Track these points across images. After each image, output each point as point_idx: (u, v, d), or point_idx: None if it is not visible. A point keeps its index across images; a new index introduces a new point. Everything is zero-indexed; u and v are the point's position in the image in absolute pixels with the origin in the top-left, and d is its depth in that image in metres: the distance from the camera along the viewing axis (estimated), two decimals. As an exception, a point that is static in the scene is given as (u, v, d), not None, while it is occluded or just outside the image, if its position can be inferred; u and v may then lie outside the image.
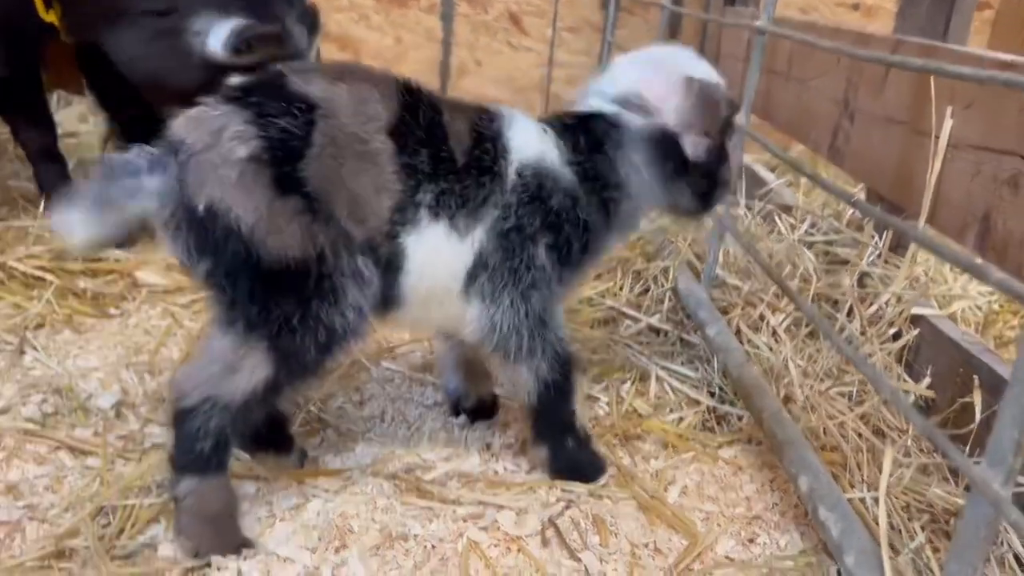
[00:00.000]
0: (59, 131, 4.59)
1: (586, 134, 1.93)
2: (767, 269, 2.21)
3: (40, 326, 2.58)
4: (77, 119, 4.99)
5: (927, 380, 2.32)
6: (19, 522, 1.79)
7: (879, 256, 2.78)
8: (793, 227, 3.19)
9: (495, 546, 1.79)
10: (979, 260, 2.51)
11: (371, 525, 1.78)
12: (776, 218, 3.25)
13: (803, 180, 4.14)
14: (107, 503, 1.84)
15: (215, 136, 1.57)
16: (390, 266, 1.75)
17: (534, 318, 1.89)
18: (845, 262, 2.89)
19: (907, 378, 2.37)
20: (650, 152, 1.92)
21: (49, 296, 2.68)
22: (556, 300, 1.95)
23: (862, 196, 3.06)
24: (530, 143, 1.89)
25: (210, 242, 1.58)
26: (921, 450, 2.15)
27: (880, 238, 2.82)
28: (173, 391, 1.71)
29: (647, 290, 2.97)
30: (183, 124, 1.63)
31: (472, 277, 1.85)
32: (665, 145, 1.91)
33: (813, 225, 3.19)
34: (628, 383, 2.51)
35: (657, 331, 2.82)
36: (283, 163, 1.58)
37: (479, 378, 2.28)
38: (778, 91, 3.90)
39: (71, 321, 2.63)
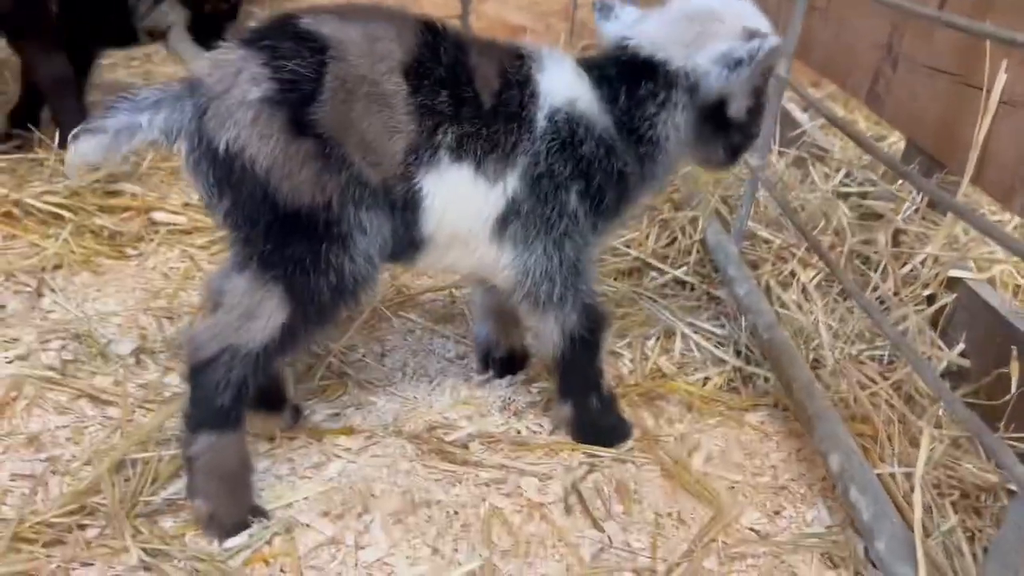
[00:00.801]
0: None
1: (628, 85, 1.83)
2: (801, 231, 2.13)
3: (58, 267, 2.55)
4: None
5: (961, 346, 2.26)
6: (42, 476, 1.78)
7: (916, 211, 2.69)
8: (827, 176, 3.08)
9: (517, 512, 1.77)
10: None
11: (393, 489, 1.77)
12: (810, 165, 3.14)
13: (834, 129, 3.99)
14: (128, 456, 1.83)
15: (232, 78, 1.58)
16: (408, 207, 1.73)
17: (568, 265, 1.86)
18: (881, 216, 2.80)
19: (941, 344, 2.31)
20: (695, 112, 1.84)
21: (66, 235, 2.64)
22: (590, 248, 1.91)
23: (900, 147, 2.94)
24: (562, 87, 1.82)
25: (230, 181, 1.60)
26: (954, 419, 2.10)
27: (918, 193, 2.72)
28: (189, 344, 1.69)
29: (674, 240, 2.89)
30: (202, 66, 1.64)
31: (504, 223, 1.82)
32: (712, 106, 1.83)
33: (848, 175, 3.08)
34: (653, 339, 2.46)
35: (683, 284, 2.76)
36: (296, 106, 1.58)
37: (511, 327, 2.24)
38: (816, 28, 3.73)
39: (89, 262, 2.59)
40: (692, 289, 2.73)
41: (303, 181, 1.59)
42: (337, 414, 2.07)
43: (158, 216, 2.88)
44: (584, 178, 1.82)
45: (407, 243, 1.79)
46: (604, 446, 1.99)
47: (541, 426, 2.07)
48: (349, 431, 1.96)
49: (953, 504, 1.79)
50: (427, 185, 1.72)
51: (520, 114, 1.78)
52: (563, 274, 1.87)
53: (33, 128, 3.25)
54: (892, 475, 1.81)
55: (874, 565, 1.63)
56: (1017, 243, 1.41)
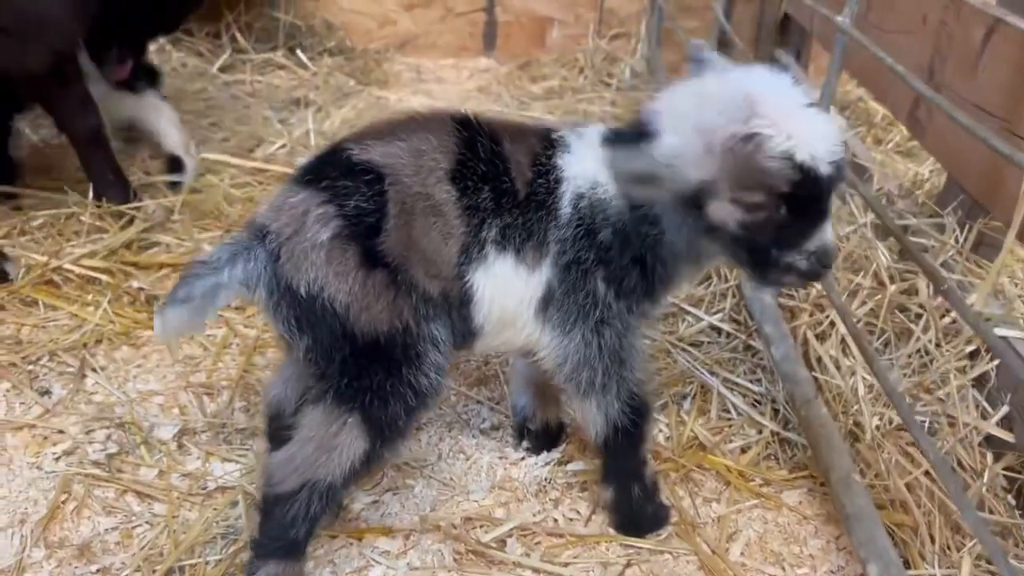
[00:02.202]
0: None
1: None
2: (831, 299, 2.09)
3: (99, 341, 2.59)
4: (118, 59, 4.87)
5: (1005, 409, 2.21)
6: (95, 592, 1.84)
7: (959, 253, 2.61)
8: (867, 207, 2.99)
9: (556, 622, 1.79)
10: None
11: (433, 605, 1.80)
12: (847, 197, 3.05)
13: (874, 131, 3.87)
14: (176, 564, 1.88)
15: (300, 220, 1.62)
16: (462, 304, 1.76)
17: (609, 353, 1.85)
18: (923, 250, 2.72)
19: (985, 404, 2.26)
20: (676, 202, 1.70)
21: (105, 306, 2.68)
22: (633, 333, 1.88)
23: (941, 178, 2.85)
24: (586, 171, 1.79)
25: (310, 320, 1.64)
26: (996, 495, 2.07)
27: (961, 233, 2.64)
28: (267, 476, 1.74)
29: (709, 282, 2.85)
30: (265, 213, 1.69)
31: (544, 306, 1.83)
32: (689, 201, 1.67)
33: (889, 202, 3.00)
34: (688, 400, 2.45)
35: (718, 330, 2.72)
36: (365, 239, 1.62)
37: (549, 400, 2.24)
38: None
39: (128, 334, 2.63)
40: (728, 336, 2.70)
41: (381, 311, 1.64)
42: (376, 502, 2.10)
43: (193, 274, 2.90)
44: (604, 265, 1.80)
45: (464, 334, 1.83)
46: (643, 534, 2.00)
47: (578, 512, 2.08)
48: (388, 531, 1.98)
49: (996, 604, 1.78)
50: (477, 280, 1.75)
51: (547, 201, 1.78)
52: (604, 362, 1.86)
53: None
54: (933, 576, 1.80)
55: None
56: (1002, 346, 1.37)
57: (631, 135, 1.75)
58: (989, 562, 1.85)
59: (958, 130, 2.63)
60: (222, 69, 4.87)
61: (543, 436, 2.25)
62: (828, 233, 1.66)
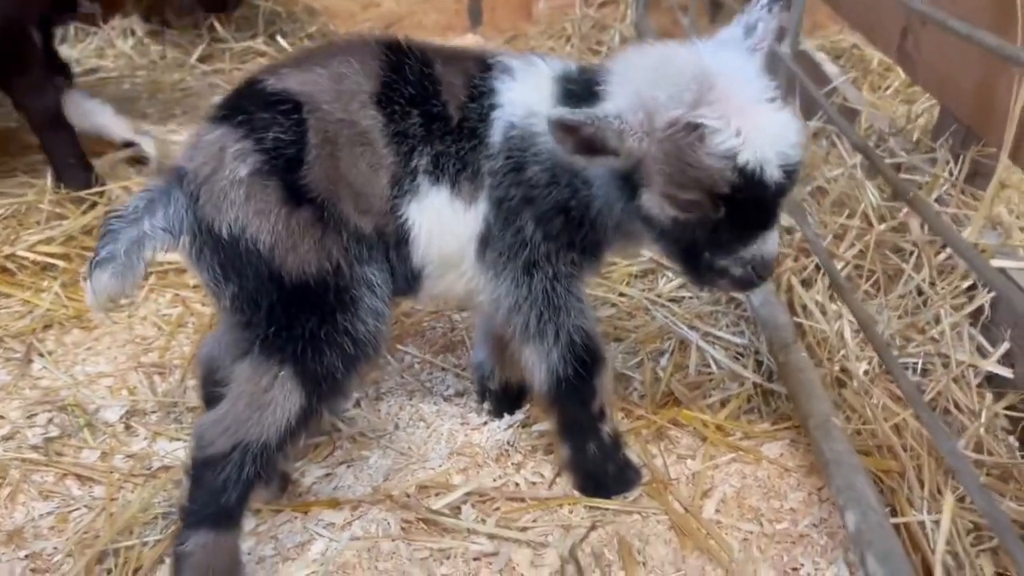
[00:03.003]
0: (77, 69, 4.44)
1: (576, 106, 1.53)
2: (812, 243, 1.92)
3: (48, 327, 2.49)
4: (95, 54, 4.80)
5: (1006, 346, 2.03)
6: (20, 577, 1.73)
7: (953, 186, 2.43)
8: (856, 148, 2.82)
9: (509, 590, 1.65)
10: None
11: (374, 576, 1.67)
12: (835, 138, 2.88)
13: (871, 78, 3.68)
14: (110, 546, 1.77)
15: (217, 158, 1.52)
16: (399, 243, 1.65)
17: (540, 298, 1.72)
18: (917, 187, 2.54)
19: (983, 341, 2.08)
20: (610, 178, 1.60)
21: (57, 289, 2.58)
22: (567, 281, 1.73)
23: (934, 114, 2.67)
24: (523, 99, 1.64)
25: (234, 265, 1.54)
26: (996, 435, 1.90)
27: (956, 164, 2.46)
28: (196, 439, 1.61)
29: (689, 235, 2.69)
30: (182, 154, 1.59)
31: (484, 244, 1.70)
32: (623, 180, 1.57)
33: (880, 140, 2.81)
34: (666, 356, 2.29)
35: (700, 284, 2.56)
36: (287, 172, 1.52)
37: (507, 358, 2.09)
38: (840, -30, 3.41)
39: (81, 318, 2.52)
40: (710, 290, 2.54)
41: (308, 251, 1.53)
42: (328, 474, 1.97)
43: (152, 255, 2.79)
44: (531, 204, 1.66)
45: (406, 278, 1.71)
46: (605, 496, 1.85)
47: (542, 475, 1.94)
48: (334, 503, 1.85)
49: (995, 551, 1.61)
50: (412, 215, 1.63)
51: (477, 129, 1.65)
52: (537, 307, 1.72)
53: None
54: (921, 523, 1.63)
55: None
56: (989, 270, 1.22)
57: (582, 86, 1.61)
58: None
59: (947, 57, 2.46)
60: (201, 59, 4.77)
61: (503, 397, 2.11)
62: (770, 243, 1.49)
